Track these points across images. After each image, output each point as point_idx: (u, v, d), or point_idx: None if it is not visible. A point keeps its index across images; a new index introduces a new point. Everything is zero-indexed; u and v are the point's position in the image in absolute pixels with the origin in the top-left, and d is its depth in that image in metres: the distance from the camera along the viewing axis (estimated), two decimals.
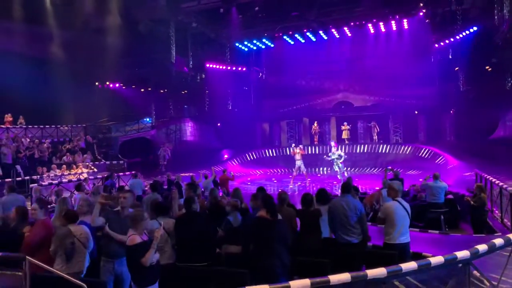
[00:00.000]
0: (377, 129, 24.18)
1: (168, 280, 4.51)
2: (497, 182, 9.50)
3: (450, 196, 10.61)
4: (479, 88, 23.49)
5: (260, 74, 29.29)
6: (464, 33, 21.15)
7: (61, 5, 19.29)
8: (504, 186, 8.89)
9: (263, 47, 26.90)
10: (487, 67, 23.47)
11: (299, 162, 18.18)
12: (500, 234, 7.73)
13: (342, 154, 18.96)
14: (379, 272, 3.34)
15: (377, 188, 11.49)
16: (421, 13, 21.95)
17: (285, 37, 25.23)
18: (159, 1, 20.51)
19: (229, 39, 25.92)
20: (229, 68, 27.00)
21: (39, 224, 4.94)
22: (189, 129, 25.89)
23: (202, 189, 11.08)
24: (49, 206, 9.76)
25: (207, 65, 25.89)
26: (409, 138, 23.71)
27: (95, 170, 17.49)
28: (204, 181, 12.10)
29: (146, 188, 11.86)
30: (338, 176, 18.25)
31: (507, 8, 16.77)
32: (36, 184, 13.00)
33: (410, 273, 3.60)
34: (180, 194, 8.12)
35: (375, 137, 24.24)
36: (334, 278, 3.15)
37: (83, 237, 4.67)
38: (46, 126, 20.31)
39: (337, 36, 25.03)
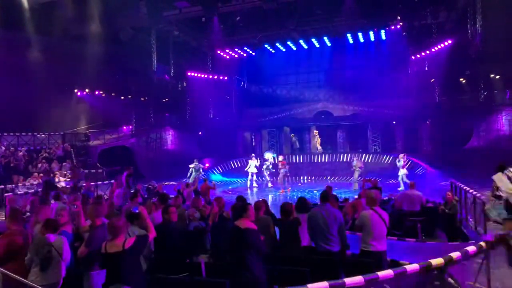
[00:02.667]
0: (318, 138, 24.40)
1: None
2: (470, 190, 9.75)
3: (430, 205, 10.83)
4: (454, 99, 24.25)
5: (242, 83, 29.43)
6: (439, 46, 21.85)
7: (40, 11, 18.97)
8: (478, 194, 9.13)
9: (245, 55, 27.08)
10: (461, 79, 24.28)
11: (283, 171, 19.02)
12: (473, 242, 7.94)
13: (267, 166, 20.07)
14: (356, 280, 3.41)
15: (356, 197, 11.66)
16: (398, 26, 22.58)
17: (266, 45, 25.48)
18: (141, 9, 20.44)
19: (211, 47, 26.00)
20: (210, 76, 27.04)
21: (6, 234, 4.78)
22: (170, 138, 25.72)
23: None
24: (24, 216, 9.57)
25: (189, 73, 25.87)
26: (387, 148, 24.17)
27: None
28: (186, 190, 12.03)
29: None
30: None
31: (479, 23, 17.43)
32: (11, 193, 12.68)
33: (387, 281, 3.69)
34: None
35: (319, 147, 24.62)
36: (313, 287, 3.20)
37: (60, 247, 4.59)
38: (22, 133, 19.86)
39: (317, 46, 25.45)
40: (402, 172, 17.62)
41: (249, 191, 19.26)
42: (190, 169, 19.28)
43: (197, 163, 19.47)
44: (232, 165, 24.89)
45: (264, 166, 19.88)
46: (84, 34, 20.41)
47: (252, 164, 20.44)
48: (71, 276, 4.76)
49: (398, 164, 18.40)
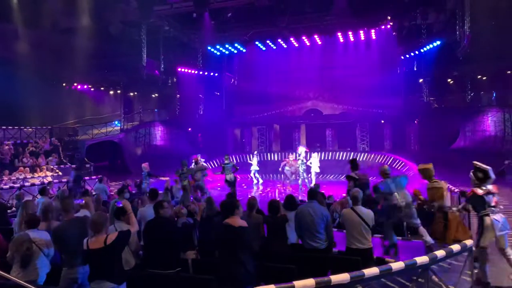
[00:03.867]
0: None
1: (135, 286, 4.47)
2: (456, 190, 9.91)
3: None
4: (442, 100, 24.55)
5: (232, 80, 29.37)
6: (428, 47, 22.06)
7: (28, 3, 18.66)
8: None
9: (235, 51, 27.03)
10: (449, 80, 24.60)
11: (292, 168, 19.13)
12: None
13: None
14: (342, 277, 3.46)
15: (344, 194, 11.76)
16: (388, 26, 22.75)
17: (257, 42, 25.46)
18: (131, 3, 20.25)
19: (202, 43, 25.89)
20: (201, 72, 26.92)
21: None
22: (159, 133, 25.56)
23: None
24: (9, 210, 9.45)
25: (179, 69, 25.71)
26: (376, 146, 24.38)
27: (60, 173, 16.97)
28: (174, 186, 11.99)
29: (113, 193, 11.65)
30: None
31: (467, 25, 17.62)
32: None
33: (373, 278, 3.74)
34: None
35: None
36: (299, 284, 3.24)
37: (42, 243, 4.54)
38: (9, 127, 19.56)
39: (308, 44, 25.52)
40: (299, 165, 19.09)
41: (255, 188, 19.62)
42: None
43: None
44: (222, 161, 24.85)
45: (299, 162, 18.94)
46: (74, 27, 20.15)
47: (255, 162, 20.47)
48: (56, 271, 4.73)
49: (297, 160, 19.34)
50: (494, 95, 23.02)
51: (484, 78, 23.45)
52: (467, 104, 23.34)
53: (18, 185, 13.47)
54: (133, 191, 12.74)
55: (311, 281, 3.28)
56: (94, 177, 15.99)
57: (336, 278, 3.42)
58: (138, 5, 20.36)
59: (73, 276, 4.50)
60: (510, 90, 21.58)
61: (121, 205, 5.05)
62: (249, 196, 6.90)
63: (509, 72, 21.37)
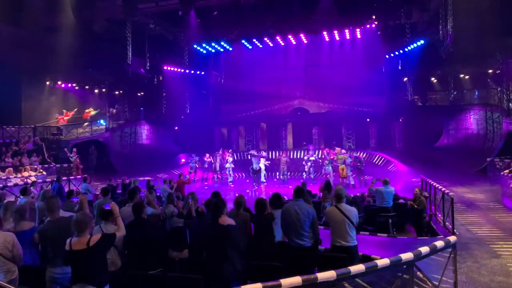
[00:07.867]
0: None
1: None
2: (440, 187, 10.06)
3: (402, 201, 11.13)
4: (426, 98, 24.91)
5: (219, 78, 29.30)
6: (412, 46, 22.33)
7: (9, 0, 18.26)
8: (446, 191, 9.43)
9: (222, 50, 26.97)
10: (432, 79, 24.96)
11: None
12: (442, 236, 8.22)
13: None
14: (329, 275, 3.48)
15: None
16: (373, 25, 22.96)
17: (243, 41, 25.44)
18: (116, 0, 20.01)
19: (188, 41, 25.74)
20: (187, 71, 26.78)
21: None
22: (145, 132, 25.36)
23: (159, 193, 10.98)
24: None
25: (165, 68, 25.53)
26: (361, 145, 24.62)
27: (44, 173, 16.71)
28: (162, 186, 11.95)
29: (98, 193, 11.53)
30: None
31: (450, 24, 17.90)
32: None
33: (359, 275, 3.78)
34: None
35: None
36: (286, 282, 3.24)
37: (8, 245, 4.39)
38: None
39: (294, 43, 25.60)
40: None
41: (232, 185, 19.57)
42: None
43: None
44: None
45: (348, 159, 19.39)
46: (57, 25, 19.78)
47: (230, 159, 20.61)
48: (33, 272, 4.67)
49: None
50: (476, 93, 23.45)
51: (467, 77, 23.87)
52: (450, 103, 23.73)
53: (1, 185, 13.21)
54: (119, 191, 12.64)
55: (297, 279, 3.29)
56: (79, 176, 15.80)
57: (322, 275, 3.44)
58: (123, 3, 20.13)
59: (52, 275, 4.45)
60: (491, 89, 22.01)
61: (108, 207, 4.97)
62: (236, 195, 6.89)
63: (490, 71, 21.77)
